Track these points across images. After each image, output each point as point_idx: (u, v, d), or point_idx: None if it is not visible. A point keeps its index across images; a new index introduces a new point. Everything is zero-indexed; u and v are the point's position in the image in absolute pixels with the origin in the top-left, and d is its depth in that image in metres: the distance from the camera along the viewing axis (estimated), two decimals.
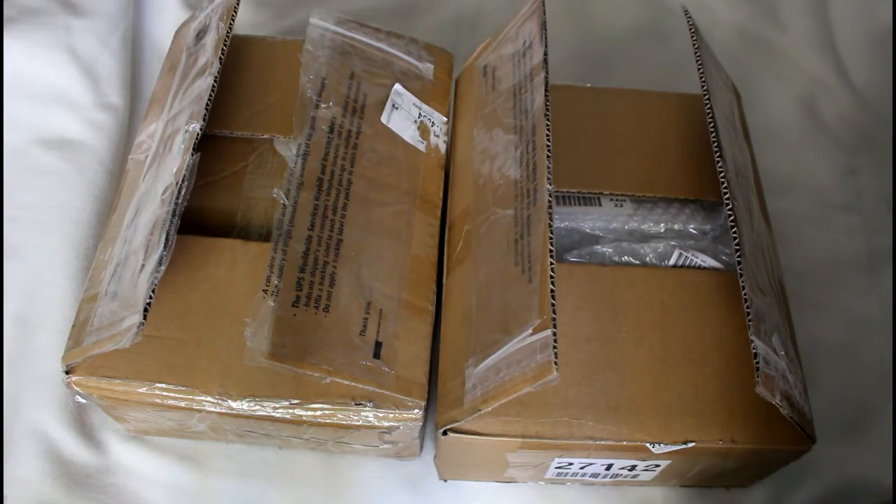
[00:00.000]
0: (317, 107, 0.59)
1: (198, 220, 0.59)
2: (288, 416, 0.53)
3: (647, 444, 0.51)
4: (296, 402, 0.51)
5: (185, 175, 0.50)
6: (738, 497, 0.63)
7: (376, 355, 0.51)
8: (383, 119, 0.62)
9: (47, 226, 0.69)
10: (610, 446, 0.51)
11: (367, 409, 0.52)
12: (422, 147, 0.63)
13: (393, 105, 0.63)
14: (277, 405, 0.52)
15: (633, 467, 0.56)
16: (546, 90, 0.54)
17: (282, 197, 0.54)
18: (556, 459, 0.55)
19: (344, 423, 0.53)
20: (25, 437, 0.61)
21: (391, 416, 0.52)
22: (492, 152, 0.58)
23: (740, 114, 0.67)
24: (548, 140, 0.51)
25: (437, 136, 0.64)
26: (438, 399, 0.52)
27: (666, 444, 0.51)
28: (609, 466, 0.56)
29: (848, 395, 0.68)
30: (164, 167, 0.53)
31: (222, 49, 0.57)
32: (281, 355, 0.48)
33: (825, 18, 0.93)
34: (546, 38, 0.56)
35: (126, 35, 0.81)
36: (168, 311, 0.53)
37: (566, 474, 0.58)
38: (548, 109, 0.52)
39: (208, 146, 0.61)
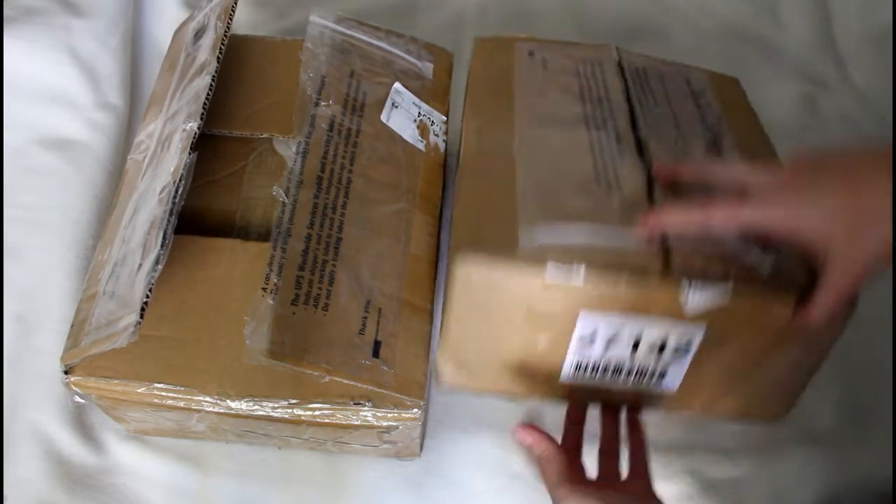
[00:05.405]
0: (317, 105, 0.59)
1: (197, 220, 0.59)
2: (287, 416, 0.53)
3: (683, 282, 0.47)
4: (294, 401, 0.51)
5: (182, 174, 0.50)
6: (737, 496, 0.63)
7: (375, 354, 0.51)
8: (383, 118, 0.62)
9: (47, 226, 0.69)
10: (643, 291, 0.47)
11: (366, 408, 0.51)
12: (421, 146, 0.63)
13: (393, 104, 0.63)
14: (276, 405, 0.52)
15: (662, 346, 0.50)
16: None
17: (281, 195, 0.54)
18: (582, 319, 0.48)
19: (343, 422, 0.53)
20: (25, 437, 0.61)
21: (390, 415, 0.52)
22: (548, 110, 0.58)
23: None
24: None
25: (437, 136, 0.64)
26: (456, 239, 0.49)
27: (702, 283, 0.46)
28: (636, 345, 0.50)
29: (848, 395, 0.68)
30: (162, 166, 0.53)
31: (220, 48, 0.57)
32: (280, 354, 0.48)
33: (825, 18, 0.93)
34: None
35: (126, 35, 0.81)
36: (167, 310, 0.53)
37: (587, 364, 0.51)
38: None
39: (207, 146, 0.61)
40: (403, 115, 0.63)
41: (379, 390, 0.51)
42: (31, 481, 0.60)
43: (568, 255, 0.46)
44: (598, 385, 0.53)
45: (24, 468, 0.60)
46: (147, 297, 0.45)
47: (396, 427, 0.53)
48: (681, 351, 0.50)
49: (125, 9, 0.82)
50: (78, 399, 0.55)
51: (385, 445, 0.58)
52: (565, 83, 0.60)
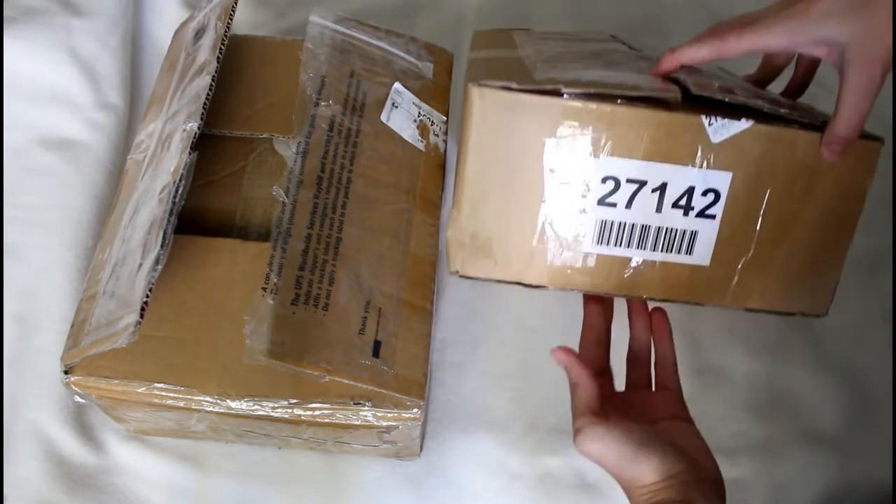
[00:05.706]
0: (317, 104, 0.59)
1: (197, 220, 0.59)
2: (287, 416, 0.53)
3: (703, 119, 0.45)
4: (294, 401, 0.51)
5: (182, 174, 0.50)
6: (737, 496, 0.63)
7: (375, 354, 0.51)
8: (383, 118, 0.62)
9: (47, 226, 0.69)
10: (665, 119, 0.45)
11: (366, 408, 0.51)
12: (421, 146, 0.63)
13: (393, 104, 0.63)
14: (276, 405, 0.52)
15: (689, 201, 0.47)
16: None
17: (281, 195, 0.54)
18: (603, 162, 0.45)
19: (343, 422, 0.53)
20: (25, 437, 0.61)
21: (390, 415, 0.52)
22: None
23: None
24: None
25: (437, 136, 0.64)
26: (470, 77, 0.46)
27: (723, 119, 0.45)
28: (662, 191, 0.46)
29: (848, 394, 0.68)
30: (162, 166, 0.53)
31: (220, 48, 0.57)
32: (280, 353, 0.48)
33: None
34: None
35: (126, 35, 0.81)
36: (167, 310, 0.53)
37: (611, 223, 0.47)
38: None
39: (207, 146, 0.61)
40: (403, 115, 0.63)
41: (379, 390, 0.51)
42: (31, 481, 0.60)
43: (585, 86, 0.45)
44: (624, 258, 0.48)
45: (24, 468, 0.60)
46: (147, 297, 0.45)
47: (396, 427, 0.53)
48: (708, 208, 0.48)
49: (125, 9, 0.82)
50: (78, 399, 0.55)
51: (385, 445, 0.58)
52: (566, 39, 0.62)
